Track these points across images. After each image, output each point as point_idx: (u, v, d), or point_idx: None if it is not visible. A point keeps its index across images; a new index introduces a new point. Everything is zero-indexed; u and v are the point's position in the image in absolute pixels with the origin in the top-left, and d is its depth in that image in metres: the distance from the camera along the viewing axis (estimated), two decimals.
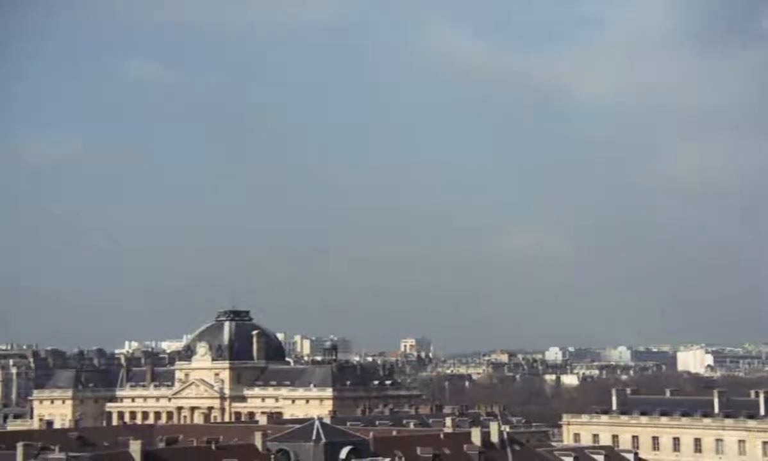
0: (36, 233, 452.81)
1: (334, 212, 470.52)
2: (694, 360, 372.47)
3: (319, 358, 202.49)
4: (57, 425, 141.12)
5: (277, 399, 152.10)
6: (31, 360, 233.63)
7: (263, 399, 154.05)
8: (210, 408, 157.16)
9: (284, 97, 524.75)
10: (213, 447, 74.53)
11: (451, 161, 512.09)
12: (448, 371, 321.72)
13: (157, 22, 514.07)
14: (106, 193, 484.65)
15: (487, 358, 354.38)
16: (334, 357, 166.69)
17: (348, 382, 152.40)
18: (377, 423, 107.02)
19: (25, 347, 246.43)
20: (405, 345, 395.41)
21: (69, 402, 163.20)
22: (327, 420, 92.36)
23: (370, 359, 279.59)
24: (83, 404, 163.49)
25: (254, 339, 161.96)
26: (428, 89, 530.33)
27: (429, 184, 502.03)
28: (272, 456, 67.93)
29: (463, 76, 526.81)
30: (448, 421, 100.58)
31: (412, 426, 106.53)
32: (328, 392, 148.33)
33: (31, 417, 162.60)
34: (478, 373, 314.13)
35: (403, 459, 73.80)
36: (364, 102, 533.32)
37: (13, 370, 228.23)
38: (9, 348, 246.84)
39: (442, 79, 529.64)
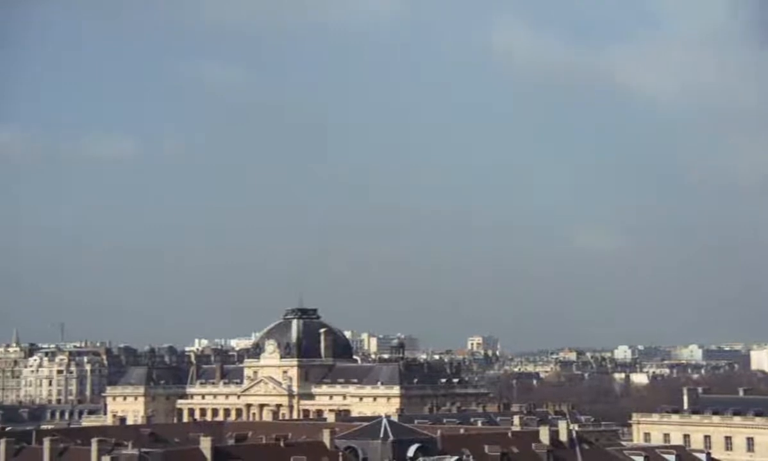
0: (99, 233, 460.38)
1: (402, 212, 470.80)
2: None
3: (386, 356, 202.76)
4: (129, 421, 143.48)
5: (344, 397, 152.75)
6: (104, 357, 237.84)
7: (331, 396, 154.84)
8: (278, 406, 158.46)
9: (346, 96, 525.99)
10: (282, 444, 75.15)
11: (511, 160, 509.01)
12: (516, 369, 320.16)
13: (212, 23, 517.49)
14: (167, 191, 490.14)
15: (555, 357, 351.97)
16: (401, 355, 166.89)
17: (415, 380, 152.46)
18: (444, 421, 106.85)
19: (98, 344, 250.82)
20: (472, 344, 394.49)
21: (141, 399, 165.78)
22: (394, 418, 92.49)
23: (437, 357, 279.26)
24: (155, 401, 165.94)
25: (322, 337, 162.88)
26: (490, 88, 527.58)
27: (492, 185, 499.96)
28: (340, 453, 68.29)
29: (523, 74, 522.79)
30: (516, 420, 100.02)
31: (479, 424, 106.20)
32: (396, 390, 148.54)
33: (105, 413, 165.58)
34: (546, 372, 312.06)
35: (471, 457, 73.60)
36: (428, 101, 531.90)
37: (87, 367, 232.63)
38: (83, 345, 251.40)
39: (502, 77, 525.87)
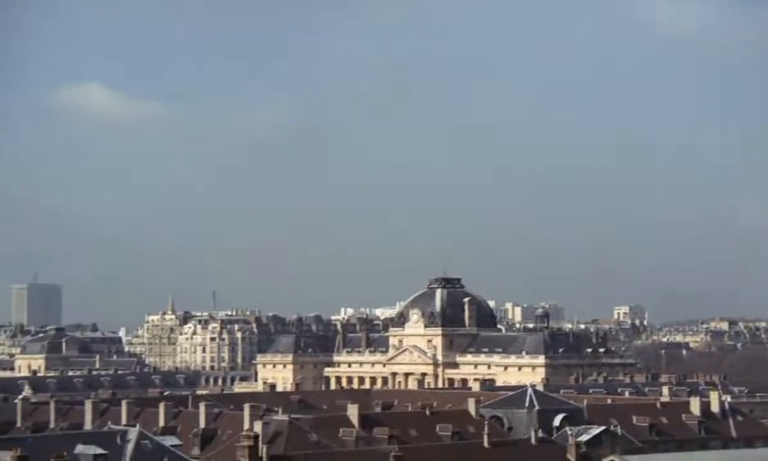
0: (250, 202, 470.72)
1: (554, 178, 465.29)
2: None
3: (530, 326, 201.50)
4: (279, 388, 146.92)
5: (489, 366, 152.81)
6: (254, 325, 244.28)
7: (475, 365, 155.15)
8: (423, 374, 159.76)
9: (496, 65, 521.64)
10: (427, 412, 75.94)
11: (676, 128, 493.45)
12: (664, 339, 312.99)
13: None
14: (318, 158, 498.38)
15: (705, 326, 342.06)
16: (545, 325, 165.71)
17: (560, 350, 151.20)
18: (591, 391, 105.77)
19: (248, 313, 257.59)
20: (618, 313, 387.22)
21: (290, 367, 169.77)
22: (540, 388, 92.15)
23: (582, 327, 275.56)
24: (303, 368, 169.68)
25: (466, 306, 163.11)
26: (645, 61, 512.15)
27: (645, 153, 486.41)
28: (486, 422, 68.50)
29: (671, 46, 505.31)
30: (665, 390, 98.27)
31: (627, 394, 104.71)
32: (541, 359, 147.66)
33: (256, 380, 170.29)
34: (696, 342, 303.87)
35: (619, 427, 72.75)
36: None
37: (238, 335, 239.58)
38: (233, 313, 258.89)
39: (651, 50, 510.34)
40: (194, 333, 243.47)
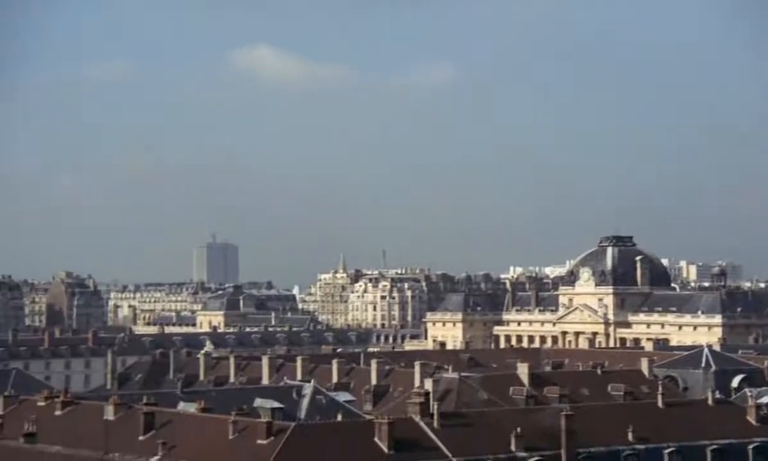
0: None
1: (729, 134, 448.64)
2: None
3: (706, 284, 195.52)
4: (449, 346, 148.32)
5: (662, 326, 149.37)
6: (424, 283, 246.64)
7: (648, 325, 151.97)
8: (594, 334, 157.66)
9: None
10: (599, 371, 75.15)
11: None
12: None
13: None
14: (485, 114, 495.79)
15: None
16: (722, 283, 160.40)
17: (738, 309, 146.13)
18: None
19: (418, 271, 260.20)
20: None
21: (459, 325, 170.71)
22: (716, 348, 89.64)
23: (762, 285, 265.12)
24: (472, 327, 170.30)
25: (638, 265, 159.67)
26: None
27: None
28: (660, 382, 67.24)
29: None
30: None
31: None
32: (717, 319, 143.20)
33: (426, 338, 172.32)
34: None
35: None
36: None
37: (408, 293, 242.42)
38: (403, 272, 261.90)
39: None
40: (365, 291, 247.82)
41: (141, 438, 48.31)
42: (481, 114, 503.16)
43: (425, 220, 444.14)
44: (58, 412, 54.11)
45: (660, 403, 56.91)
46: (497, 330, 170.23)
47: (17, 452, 50.07)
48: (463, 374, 73.05)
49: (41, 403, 55.77)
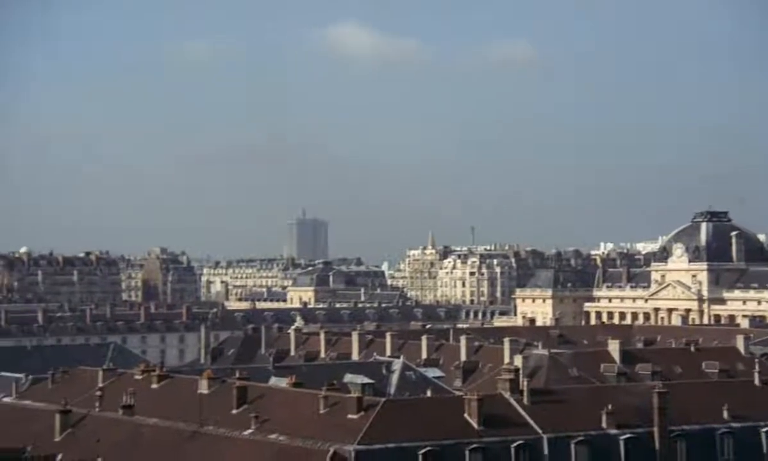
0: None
1: None
2: None
3: None
4: (538, 322, 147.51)
5: (758, 303, 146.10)
6: (513, 260, 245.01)
7: (744, 301, 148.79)
8: (687, 311, 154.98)
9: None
10: (692, 348, 74.06)
11: None
12: None
13: None
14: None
15: None
16: None
17: None
18: None
19: (507, 247, 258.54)
20: None
21: (549, 301, 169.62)
22: None
23: None
24: (562, 303, 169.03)
25: (733, 240, 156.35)
26: None
27: None
28: (756, 360, 65.83)
29: None
30: None
31: None
32: None
33: (515, 314, 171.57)
34: None
35: None
36: None
37: (497, 269, 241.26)
38: (492, 248, 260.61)
39: None
40: (454, 267, 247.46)
41: (234, 411, 49.17)
42: (563, 93, 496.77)
43: (513, 196, 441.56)
44: (154, 385, 55.44)
45: (757, 381, 55.65)
46: (587, 306, 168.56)
47: (117, 423, 51.51)
48: (553, 350, 72.67)
49: (138, 377, 57.20)
